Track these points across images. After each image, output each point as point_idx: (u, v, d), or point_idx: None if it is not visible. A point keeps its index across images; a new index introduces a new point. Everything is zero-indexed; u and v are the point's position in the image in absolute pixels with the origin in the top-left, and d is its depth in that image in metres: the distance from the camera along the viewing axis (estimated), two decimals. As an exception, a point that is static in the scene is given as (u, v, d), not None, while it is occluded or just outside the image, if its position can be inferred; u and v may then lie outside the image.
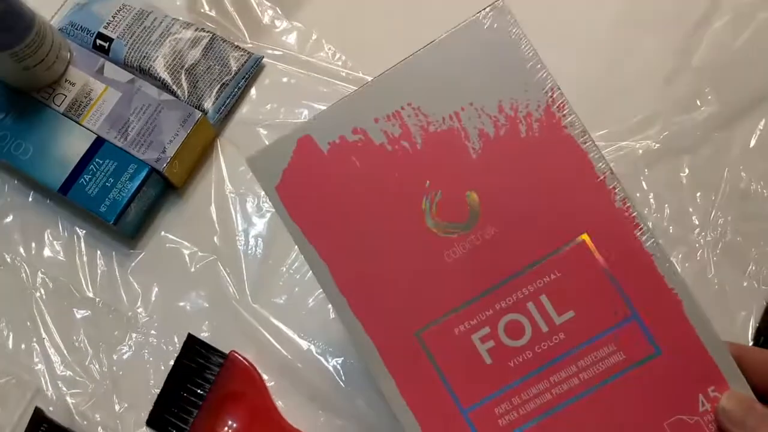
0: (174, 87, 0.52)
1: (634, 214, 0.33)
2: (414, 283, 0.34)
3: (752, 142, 0.50)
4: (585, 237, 0.33)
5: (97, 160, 0.50)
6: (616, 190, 0.33)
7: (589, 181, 0.33)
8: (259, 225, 0.52)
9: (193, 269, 0.51)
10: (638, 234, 0.32)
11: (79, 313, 0.51)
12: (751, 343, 0.47)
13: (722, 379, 0.32)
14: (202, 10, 0.56)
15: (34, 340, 0.51)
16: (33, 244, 0.53)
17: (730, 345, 0.33)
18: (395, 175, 0.34)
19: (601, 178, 0.33)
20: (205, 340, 0.49)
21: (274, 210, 0.51)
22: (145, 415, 0.48)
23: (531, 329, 0.33)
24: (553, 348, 0.33)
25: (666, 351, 0.32)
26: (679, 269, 0.33)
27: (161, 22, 0.54)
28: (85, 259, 0.52)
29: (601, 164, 0.33)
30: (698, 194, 0.50)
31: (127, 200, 0.49)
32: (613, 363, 0.32)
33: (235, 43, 0.54)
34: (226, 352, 0.49)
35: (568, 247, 0.33)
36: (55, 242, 0.53)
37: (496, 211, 0.33)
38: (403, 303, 0.34)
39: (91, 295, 0.51)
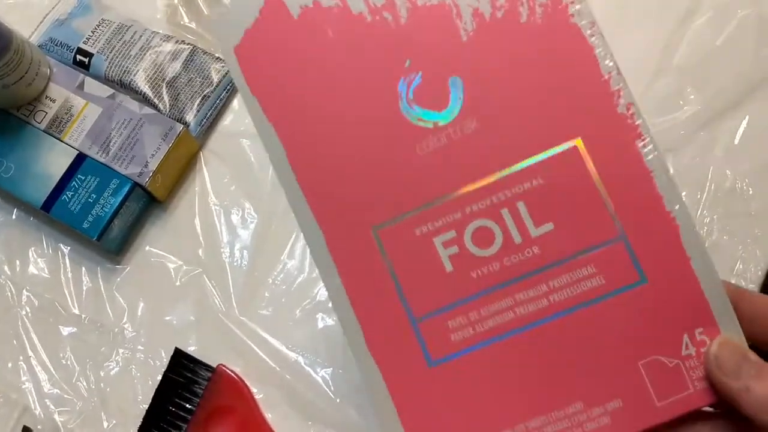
0: (155, 100, 0.52)
1: (639, 122, 0.29)
2: (378, 175, 0.30)
3: (736, 140, 0.50)
4: (578, 142, 0.29)
5: (79, 176, 0.50)
6: (621, 93, 0.29)
7: (592, 79, 0.29)
8: (244, 237, 0.52)
9: (178, 283, 0.51)
10: (640, 145, 0.29)
11: (66, 330, 0.51)
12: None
13: (713, 321, 0.28)
14: (182, 23, 0.56)
15: (21, 358, 0.51)
16: (17, 262, 0.52)
17: (727, 285, 0.29)
18: (372, 51, 0.30)
19: (606, 77, 0.29)
20: (192, 354, 0.49)
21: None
22: (133, 432, 0.48)
23: (502, 239, 0.29)
24: (523, 262, 0.29)
25: (653, 280, 0.28)
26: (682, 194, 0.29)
27: (141, 36, 0.53)
28: (70, 275, 0.52)
29: (607, 62, 0.29)
30: (684, 193, 0.49)
31: (110, 216, 0.49)
32: (590, 287, 0.29)
33: (216, 55, 0.54)
34: (214, 365, 0.49)
35: (557, 152, 0.29)
36: (39, 259, 0.52)
37: (480, 103, 0.29)
38: (363, 195, 0.30)
39: (76, 311, 0.51)
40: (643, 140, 0.29)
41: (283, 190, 0.30)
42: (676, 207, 0.28)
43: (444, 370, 0.30)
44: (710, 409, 0.29)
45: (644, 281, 0.29)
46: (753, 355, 0.28)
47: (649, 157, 0.29)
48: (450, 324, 0.29)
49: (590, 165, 0.29)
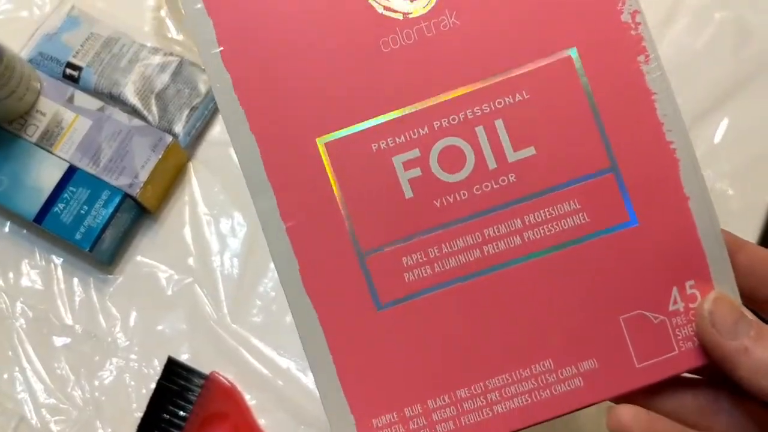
0: (144, 112, 0.53)
1: (643, 34, 0.25)
2: (331, 75, 0.25)
3: (716, 141, 0.51)
4: (573, 52, 0.25)
5: (70, 188, 0.50)
6: None
7: None
8: (234, 245, 0.52)
9: (170, 292, 0.52)
10: (641, 61, 0.25)
11: (60, 341, 0.52)
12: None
13: (707, 274, 0.25)
14: (169, 35, 0.57)
15: (17, 369, 0.51)
16: (11, 274, 0.53)
17: (726, 235, 0.26)
18: None
19: None
20: (185, 362, 0.50)
21: (245, 227, 0.52)
22: (128, 440, 0.49)
23: (474, 162, 0.25)
24: (497, 192, 0.25)
25: (644, 222, 0.25)
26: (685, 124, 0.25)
27: (129, 49, 0.54)
28: (62, 286, 0.52)
29: None
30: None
31: (101, 227, 0.50)
32: (572, 226, 0.25)
33: (204, 67, 0.55)
34: (207, 373, 0.49)
35: (547, 62, 0.25)
36: (32, 271, 0.53)
37: None
38: (313, 100, 0.25)
39: (70, 322, 0.52)
40: (646, 56, 0.25)
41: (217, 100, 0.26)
42: (678, 138, 0.25)
43: (393, 315, 0.25)
44: (691, 376, 0.27)
45: (634, 222, 0.25)
46: (750, 314, 0.25)
47: (652, 77, 0.25)
48: (405, 261, 0.25)
49: (584, 80, 0.25)
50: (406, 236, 0.25)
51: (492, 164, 0.25)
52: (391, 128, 0.25)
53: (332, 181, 0.25)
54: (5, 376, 0.51)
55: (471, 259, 0.25)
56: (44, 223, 0.50)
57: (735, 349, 0.24)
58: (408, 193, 0.25)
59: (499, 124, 0.25)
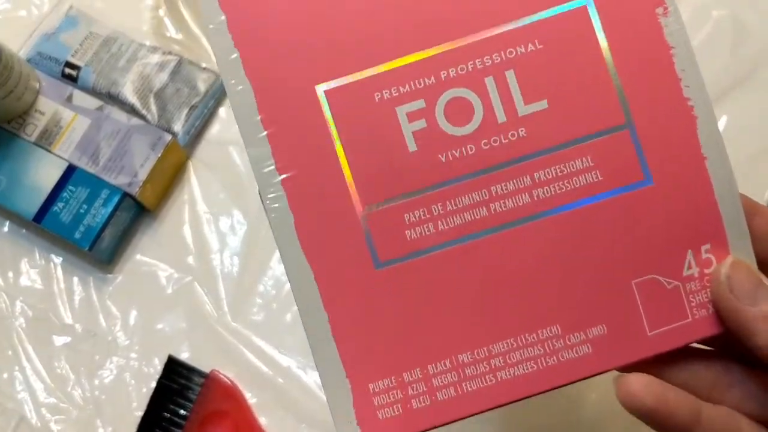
0: (143, 111, 0.53)
1: None
2: (333, 16, 0.24)
3: (714, 139, 0.51)
4: (589, 2, 0.24)
5: (69, 187, 0.50)
6: None
7: None
8: (234, 243, 0.52)
9: (170, 291, 0.52)
10: (660, 13, 0.24)
11: (59, 340, 0.51)
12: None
13: (723, 238, 0.24)
14: (168, 34, 0.57)
15: (17, 368, 0.51)
16: (10, 274, 0.53)
17: (742, 198, 0.25)
18: None
19: None
20: (185, 361, 0.50)
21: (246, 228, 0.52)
22: (128, 439, 0.49)
23: (482, 115, 0.24)
24: (506, 147, 0.24)
25: (659, 182, 0.24)
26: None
27: (128, 48, 0.54)
28: (62, 286, 0.52)
29: None
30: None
31: (101, 226, 0.50)
32: (584, 184, 0.24)
33: (203, 65, 0.55)
34: (207, 371, 0.49)
35: (561, 12, 0.24)
36: (31, 271, 0.53)
37: None
38: (311, 41, 0.24)
39: (70, 321, 0.52)
40: (665, 9, 0.24)
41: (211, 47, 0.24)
42: (696, 94, 0.24)
43: (393, 274, 0.24)
44: (701, 347, 0.26)
45: (649, 182, 0.24)
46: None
47: (671, 30, 0.24)
48: (407, 218, 0.24)
49: (599, 32, 0.24)
50: (408, 192, 0.24)
51: (501, 117, 0.24)
52: (395, 77, 0.24)
53: (332, 131, 0.24)
54: (5, 375, 0.51)
55: (477, 218, 0.24)
56: (43, 223, 0.50)
57: (754, 316, 0.23)
58: (412, 147, 0.24)
59: (510, 75, 0.24)
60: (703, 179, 0.24)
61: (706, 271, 0.24)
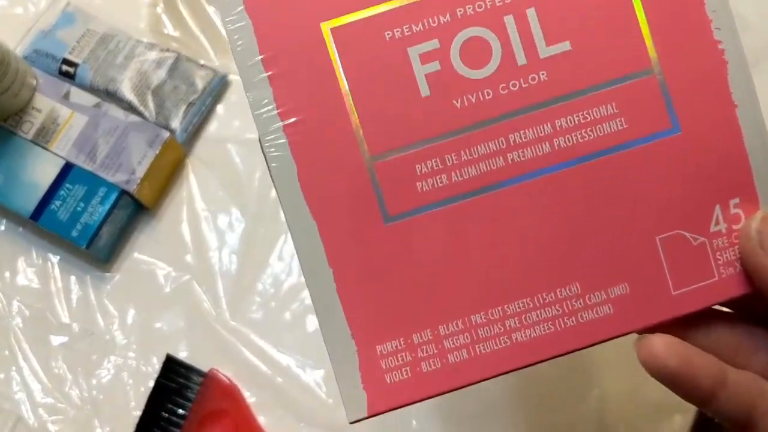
0: (141, 108, 0.52)
1: None
2: None
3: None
4: None
5: (67, 185, 0.50)
6: None
7: None
8: (232, 242, 0.52)
9: (168, 289, 0.51)
10: None
11: (57, 339, 0.51)
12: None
13: (753, 191, 0.22)
14: (165, 31, 0.56)
15: (13, 368, 0.51)
16: (7, 273, 0.52)
17: None
18: None
19: None
20: (184, 360, 0.49)
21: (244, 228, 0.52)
22: (126, 438, 0.48)
23: (501, 57, 0.22)
24: (525, 92, 0.22)
25: (687, 131, 0.22)
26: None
27: (126, 45, 0.54)
28: (59, 285, 0.52)
29: None
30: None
31: (98, 224, 0.49)
32: (607, 133, 0.22)
33: (201, 62, 0.54)
34: (206, 370, 0.49)
35: None
36: (28, 269, 0.53)
37: None
38: None
39: (67, 320, 0.51)
40: None
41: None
42: (727, 37, 0.22)
43: (403, 228, 0.23)
44: (724, 309, 0.25)
45: (676, 130, 0.22)
46: None
47: None
48: (418, 168, 0.22)
49: None
50: (420, 140, 0.22)
51: (521, 60, 0.22)
52: (407, 14, 0.22)
53: (338, 74, 0.22)
54: (2, 375, 0.51)
55: (493, 168, 0.22)
56: (41, 221, 0.50)
57: None
58: (425, 91, 0.22)
59: (531, 13, 0.22)
60: (734, 128, 0.22)
61: (735, 227, 0.23)
